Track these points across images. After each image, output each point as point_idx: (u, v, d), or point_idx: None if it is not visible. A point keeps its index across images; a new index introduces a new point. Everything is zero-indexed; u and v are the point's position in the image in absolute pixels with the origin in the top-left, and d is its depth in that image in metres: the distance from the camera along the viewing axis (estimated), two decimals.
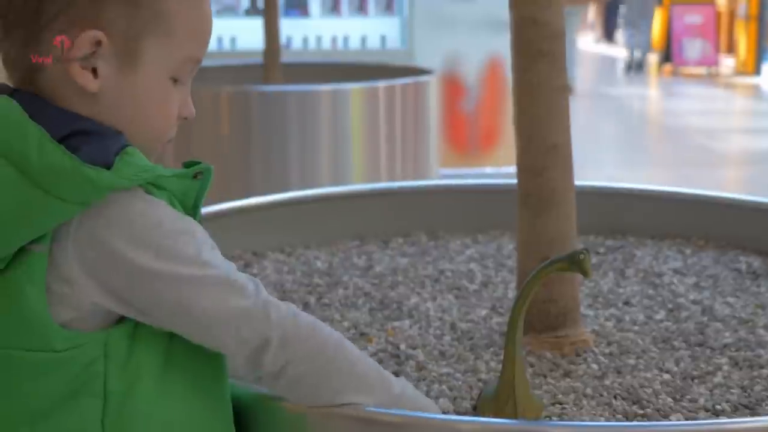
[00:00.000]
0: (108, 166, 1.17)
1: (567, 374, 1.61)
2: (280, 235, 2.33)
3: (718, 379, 1.58)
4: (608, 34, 24.49)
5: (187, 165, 1.29)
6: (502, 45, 7.06)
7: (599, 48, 22.65)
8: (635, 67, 17.08)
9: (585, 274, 1.35)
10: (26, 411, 1.21)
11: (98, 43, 1.21)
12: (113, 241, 1.18)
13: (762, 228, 2.25)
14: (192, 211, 1.28)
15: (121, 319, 1.22)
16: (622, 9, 19.89)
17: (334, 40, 7.53)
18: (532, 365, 1.64)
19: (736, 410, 1.47)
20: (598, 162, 8.50)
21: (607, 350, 1.70)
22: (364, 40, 7.53)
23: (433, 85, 4.69)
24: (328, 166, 4.18)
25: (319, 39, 7.57)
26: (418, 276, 2.11)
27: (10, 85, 1.26)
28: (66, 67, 1.21)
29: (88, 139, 1.19)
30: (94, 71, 1.22)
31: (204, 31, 1.30)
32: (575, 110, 10.60)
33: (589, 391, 1.54)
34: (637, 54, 17.09)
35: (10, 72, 1.26)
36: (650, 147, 10.18)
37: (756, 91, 14.31)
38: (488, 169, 7.27)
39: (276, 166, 4.09)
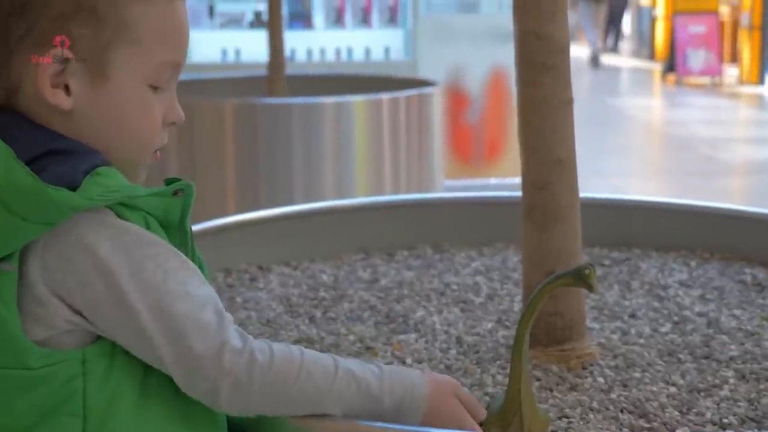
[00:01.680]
0: (74, 187, 1.17)
1: (573, 388, 1.61)
2: (286, 248, 2.33)
3: (725, 392, 1.57)
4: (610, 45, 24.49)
5: (168, 182, 1.28)
6: (505, 56, 7.09)
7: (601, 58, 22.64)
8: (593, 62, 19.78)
9: (590, 289, 1.35)
10: (14, 427, 1.20)
11: (65, 60, 1.22)
12: (75, 267, 1.18)
13: (767, 239, 2.25)
14: (179, 228, 1.27)
15: (99, 337, 1.22)
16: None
17: (338, 52, 7.54)
18: (538, 379, 1.64)
19: (743, 423, 1.47)
20: (602, 172, 8.50)
21: (613, 363, 1.70)
22: (368, 52, 7.54)
23: (437, 97, 4.69)
24: (332, 178, 4.18)
25: (323, 51, 7.58)
26: (424, 289, 2.12)
27: None
28: (37, 88, 1.22)
29: (59, 158, 1.19)
30: (67, 89, 1.23)
31: (176, 34, 1.29)
32: (578, 120, 10.58)
33: (595, 404, 1.53)
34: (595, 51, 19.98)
35: None
36: (654, 157, 10.18)
37: (760, 100, 14.30)
38: (493, 180, 7.27)
39: (280, 179, 4.09)
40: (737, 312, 1.94)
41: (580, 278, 1.35)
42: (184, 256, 1.24)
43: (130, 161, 1.28)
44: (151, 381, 1.23)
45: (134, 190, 1.22)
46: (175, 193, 1.26)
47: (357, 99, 4.29)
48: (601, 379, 1.63)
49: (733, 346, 1.76)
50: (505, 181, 7.08)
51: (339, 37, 7.57)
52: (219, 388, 1.20)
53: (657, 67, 18.14)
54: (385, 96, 4.36)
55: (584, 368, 1.68)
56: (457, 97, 7.31)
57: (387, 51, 7.58)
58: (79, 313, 1.20)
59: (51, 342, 1.20)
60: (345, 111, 4.23)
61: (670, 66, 16.68)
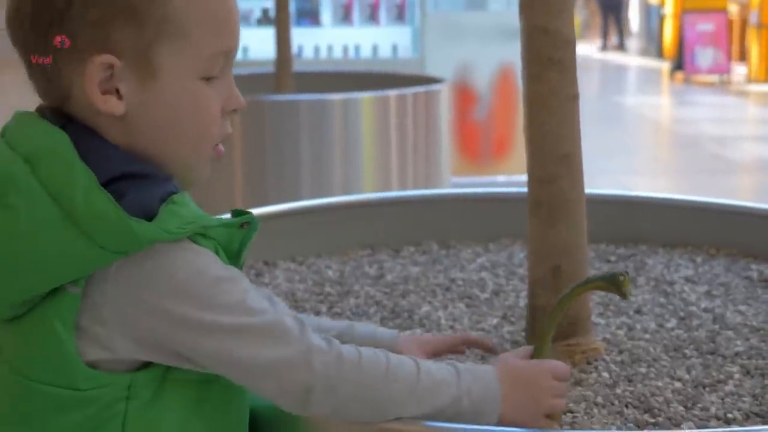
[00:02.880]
0: (152, 215, 1.16)
1: (578, 383, 1.61)
2: (292, 244, 2.33)
3: (730, 387, 1.57)
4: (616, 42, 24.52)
5: (235, 213, 1.28)
6: (513, 53, 7.06)
7: (607, 56, 22.62)
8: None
9: (623, 296, 1.35)
10: None
11: (111, 65, 1.19)
12: (151, 292, 1.17)
13: None
14: (235, 258, 1.26)
15: (150, 363, 1.21)
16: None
17: (345, 49, 7.55)
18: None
19: (748, 418, 1.47)
20: (610, 170, 8.49)
21: (618, 358, 1.70)
22: (375, 49, 7.54)
23: (444, 94, 4.69)
24: (339, 175, 4.18)
25: (330, 48, 7.58)
26: (430, 285, 2.12)
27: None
28: (87, 96, 1.20)
29: (135, 183, 1.18)
30: (118, 92, 1.20)
31: (224, 20, 1.26)
32: (586, 118, 10.58)
33: (600, 399, 1.53)
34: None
35: (44, 101, 1.26)
36: (662, 155, 10.17)
37: None
38: (500, 178, 7.27)
39: (288, 175, 4.10)
40: (743, 308, 1.94)
41: (614, 284, 1.35)
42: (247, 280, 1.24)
43: (192, 158, 1.27)
44: (199, 412, 1.24)
45: (207, 221, 1.20)
46: (241, 226, 1.25)
47: (364, 96, 4.29)
48: (606, 374, 1.63)
49: (738, 342, 1.76)
50: (512, 179, 7.08)
51: (347, 34, 7.58)
52: (311, 390, 1.20)
53: (665, 66, 18.12)
54: (392, 93, 4.36)
55: (589, 363, 1.68)
56: (464, 95, 7.32)
57: (395, 48, 7.59)
58: (145, 341, 1.18)
59: (101, 363, 1.19)
60: (352, 108, 4.24)
61: (679, 64, 16.66)
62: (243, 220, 1.25)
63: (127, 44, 1.19)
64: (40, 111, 1.24)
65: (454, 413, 1.26)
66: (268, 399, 1.23)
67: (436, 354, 1.59)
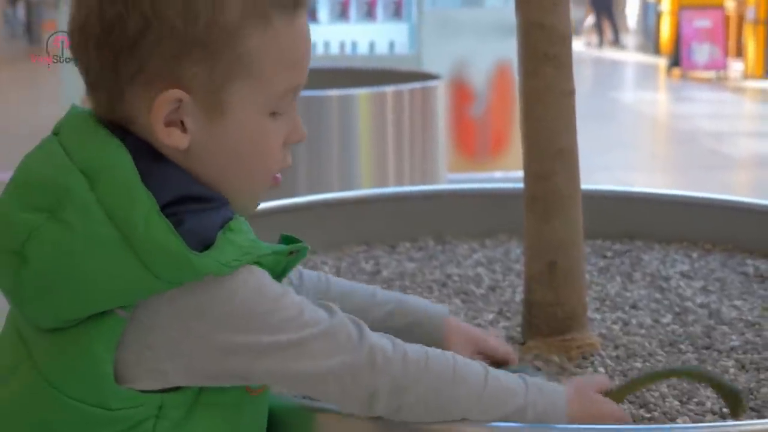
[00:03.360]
0: (209, 243, 1.14)
1: (574, 377, 1.61)
2: None
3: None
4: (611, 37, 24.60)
5: (285, 238, 1.27)
6: (510, 50, 7.07)
7: (604, 53, 22.63)
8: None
9: (735, 415, 1.38)
10: None
11: (179, 100, 1.17)
12: (207, 321, 1.16)
13: None
14: (276, 279, 1.24)
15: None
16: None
17: (342, 45, 7.55)
18: (538, 369, 1.64)
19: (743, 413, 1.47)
20: (607, 166, 8.50)
21: (614, 353, 1.70)
22: (372, 45, 7.54)
23: (441, 90, 4.70)
24: (336, 171, 4.18)
25: (327, 44, 7.58)
26: (426, 280, 2.12)
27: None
28: (152, 128, 1.17)
29: (193, 207, 1.16)
30: (182, 124, 1.18)
31: (298, 59, 1.24)
32: (584, 114, 10.59)
33: None
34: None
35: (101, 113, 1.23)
36: (659, 151, 10.18)
37: (765, 95, 14.28)
38: (497, 174, 7.27)
39: (284, 171, 4.09)
40: (738, 303, 1.95)
41: (735, 402, 1.38)
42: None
43: (250, 189, 1.26)
44: None
45: (261, 249, 1.18)
46: (290, 253, 1.24)
47: (361, 92, 4.29)
48: (601, 369, 1.63)
49: (734, 337, 1.76)
50: (509, 175, 7.08)
51: (343, 30, 7.58)
52: (377, 391, 1.20)
53: (662, 62, 18.13)
54: (389, 89, 4.36)
55: (585, 358, 1.68)
56: (461, 91, 7.32)
57: (391, 45, 7.59)
58: (196, 370, 1.17)
59: (134, 382, 1.17)
60: (349, 104, 4.24)
61: (675, 60, 16.68)
62: (294, 248, 1.24)
63: (199, 81, 1.17)
64: (97, 114, 1.22)
65: (517, 422, 1.26)
66: (332, 403, 1.23)
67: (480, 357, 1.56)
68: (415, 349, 1.24)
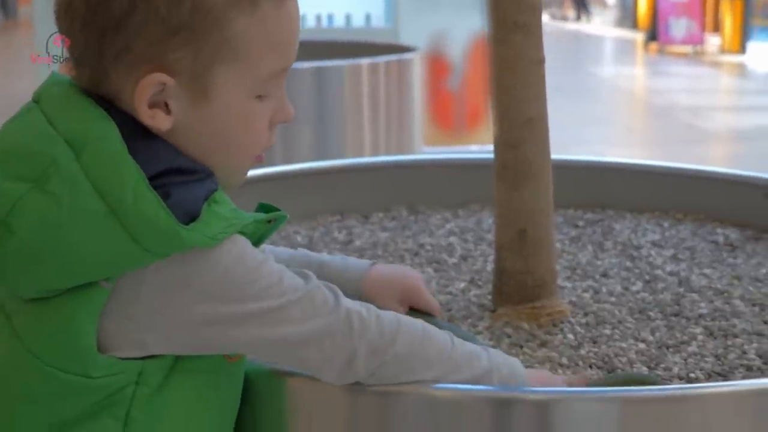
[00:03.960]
0: (195, 215, 1.14)
1: (543, 344, 1.62)
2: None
3: (693, 348, 1.59)
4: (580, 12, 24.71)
5: (263, 206, 1.27)
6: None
7: (581, 27, 22.65)
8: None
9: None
10: (48, 421, 1.19)
11: (163, 83, 1.16)
12: (190, 289, 1.16)
13: (739, 201, 2.26)
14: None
15: None
16: None
17: (318, 18, 7.52)
18: (509, 336, 1.65)
19: (710, 377, 1.49)
20: (585, 140, 8.51)
21: (583, 320, 1.71)
22: (348, 18, 7.51)
23: (417, 63, 4.69)
24: (311, 144, 4.18)
25: (303, 17, 7.54)
26: (398, 250, 2.12)
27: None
28: (135, 109, 1.17)
29: (179, 180, 1.15)
30: (166, 106, 1.18)
31: (285, 41, 1.23)
32: (561, 88, 10.61)
33: (564, 360, 1.55)
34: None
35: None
36: (636, 125, 10.20)
37: (741, 69, 14.33)
38: (474, 147, 7.27)
39: None
40: (708, 271, 1.96)
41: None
42: None
43: (234, 168, 1.25)
44: (198, 404, 1.24)
45: (243, 219, 1.19)
46: (268, 222, 1.25)
47: (336, 64, 4.28)
48: (571, 336, 1.64)
49: (702, 304, 1.78)
50: (486, 148, 7.08)
51: (319, 3, 7.53)
52: (356, 353, 1.21)
53: (639, 36, 18.15)
54: (364, 61, 4.35)
55: (555, 325, 1.69)
56: (438, 64, 7.31)
57: (368, 18, 7.56)
58: (178, 341, 1.18)
59: (114, 350, 1.17)
60: (324, 76, 4.23)
61: (653, 35, 16.72)
62: (273, 217, 1.25)
63: (183, 64, 1.16)
64: (80, 84, 1.21)
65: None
66: (309, 371, 1.24)
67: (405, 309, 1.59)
68: (386, 313, 1.26)
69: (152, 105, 1.17)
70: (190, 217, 1.14)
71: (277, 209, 1.27)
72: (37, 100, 1.21)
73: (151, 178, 1.13)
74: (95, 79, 1.19)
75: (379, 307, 1.30)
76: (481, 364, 1.29)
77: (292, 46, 1.24)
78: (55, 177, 1.13)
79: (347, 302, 1.24)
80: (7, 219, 1.14)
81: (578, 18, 24.49)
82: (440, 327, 1.34)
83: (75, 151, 1.14)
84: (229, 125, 1.21)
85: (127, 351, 1.18)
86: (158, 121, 1.17)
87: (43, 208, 1.13)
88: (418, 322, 1.28)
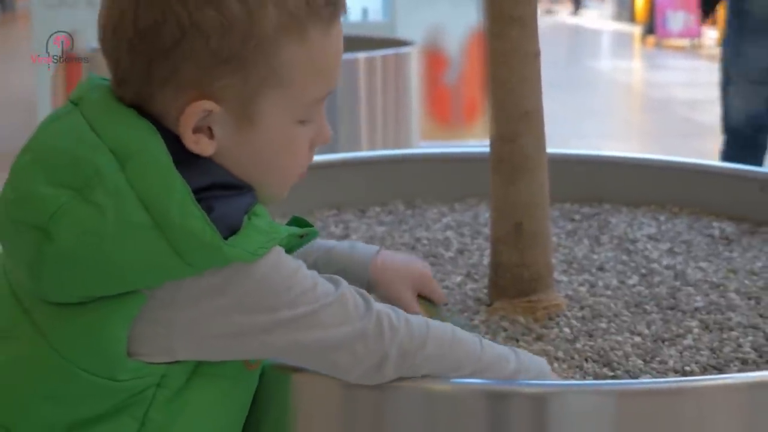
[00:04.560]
0: (236, 228, 1.14)
1: (539, 338, 1.62)
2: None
3: (688, 341, 1.60)
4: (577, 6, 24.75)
5: (296, 220, 1.28)
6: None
7: (579, 21, 22.65)
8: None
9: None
10: (68, 419, 1.19)
11: (210, 111, 1.16)
12: (226, 298, 1.15)
13: (735, 194, 2.26)
14: None
15: None
16: None
17: None
18: (504, 329, 1.66)
19: (705, 371, 1.49)
20: (582, 133, 8.51)
21: (579, 314, 1.71)
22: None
23: (414, 57, 4.69)
24: None
25: None
26: (395, 244, 2.13)
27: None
28: (179, 133, 1.16)
29: (222, 194, 1.16)
30: (210, 130, 1.17)
31: (330, 67, 1.23)
32: (559, 82, 10.62)
33: (560, 354, 1.55)
34: None
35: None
36: (633, 118, 10.20)
37: None
38: (471, 142, 7.28)
39: None
40: (704, 264, 1.96)
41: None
42: None
43: (275, 189, 1.26)
44: (217, 410, 1.24)
45: (280, 232, 1.19)
46: (301, 236, 1.25)
47: None
48: (567, 330, 1.65)
49: (698, 298, 1.78)
50: (483, 142, 7.06)
51: None
52: (387, 356, 1.21)
53: (637, 30, 18.15)
54: (361, 55, 4.35)
55: (551, 319, 1.70)
56: (435, 58, 7.31)
57: (365, 12, 7.56)
58: (209, 349, 1.18)
59: (146, 356, 1.17)
60: None
61: (650, 28, 16.70)
62: (305, 232, 1.25)
63: (230, 92, 1.16)
64: (123, 98, 1.20)
65: None
66: (339, 375, 1.23)
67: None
68: (415, 317, 1.27)
69: (196, 130, 1.17)
70: (231, 230, 1.14)
71: (310, 224, 1.28)
72: (76, 102, 1.21)
73: (196, 192, 1.13)
74: (139, 101, 1.18)
75: (390, 294, 1.30)
76: (510, 366, 1.30)
77: (337, 71, 1.24)
78: (99, 188, 1.12)
79: (377, 306, 1.24)
80: (47, 226, 1.13)
81: (576, 12, 24.50)
82: (443, 316, 1.35)
83: (119, 161, 1.13)
84: (272, 150, 1.21)
85: (154, 357, 1.18)
86: (202, 147, 1.17)
87: (86, 218, 1.12)
88: (447, 326, 1.29)
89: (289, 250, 1.24)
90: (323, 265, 1.53)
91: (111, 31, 1.18)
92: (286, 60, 1.17)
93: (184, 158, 1.15)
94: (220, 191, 1.16)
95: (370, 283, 1.54)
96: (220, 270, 1.14)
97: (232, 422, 1.29)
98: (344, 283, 1.24)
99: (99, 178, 1.12)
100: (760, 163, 4.65)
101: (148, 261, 1.12)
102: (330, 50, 1.22)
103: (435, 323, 1.28)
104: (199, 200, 1.13)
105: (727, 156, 4.79)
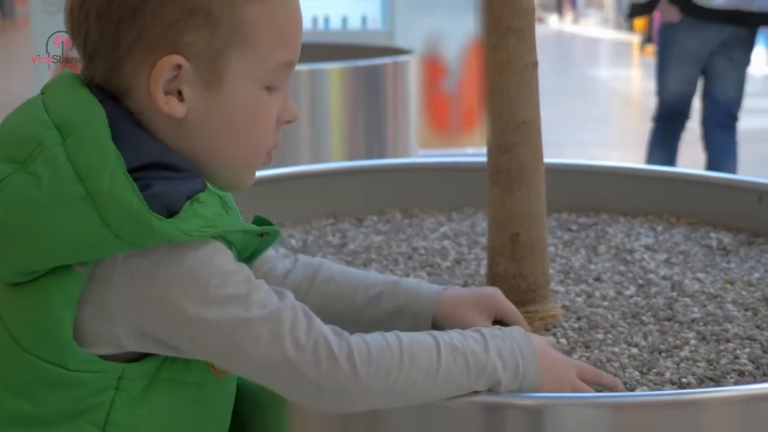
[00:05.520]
0: (175, 211, 1.14)
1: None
2: (255, 212, 2.33)
3: (685, 352, 1.59)
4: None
5: (258, 220, 1.27)
6: None
7: (578, 29, 22.68)
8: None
9: None
10: (29, 413, 1.19)
11: (178, 66, 1.18)
12: (157, 284, 1.15)
13: (733, 205, 2.26)
14: (245, 262, 1.24)
15: (145, 356, 1.20)
16: None
17: (314, 20, 7.52)
18: None
19: (702, 383, 1.48)
20: (581, 142, 8.51)
21: (576, 325, 1.71)
22: (345, 20, 7.52)
23: (413, 65, 4.69)
24: (307, 146, 4.17)
25: None
26: (392, 253, 2.12)
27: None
28: (149, 95, 1.18)
29: (163, 174, 1.16)
30: (180, 94, 1.19)
31: (292, 33, 1.25)
32: (558, 90, 10.62)
33: None
34: None
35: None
36: (632, 127, 10.20)
37: None
38: (470, 150, 7.28)
39: None
40: (701, 275, 1.96)
41: None
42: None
43: (244, 165, 1.26)
44: (180, 419, 1.23)
45: (228, 225, 1.19)
46: (261, 235, 1.24)
47: (332, 66, 4.28)
48: (563, 341, 1.64)
49: (695, 309, 1.78)
50: (481, 151, 7.07)
51: (316, 5, 7.54)
52: (321, 390, 1.18)
53: (636, 39, 18.16)
54: (360, 63, 4.36)
55: (547, 330, 1.69)
56: (434, 67, 7.31)
57: (364, 20, 7.56)
58: (147, 334, 1.17)
59: (96, 348, 1.18)
60: (320, 78, 4.23)
61: (649, 37, 16.71)
62: (264, 230, 1.24)
63: (199, 47, 1.18)
64: (85, 78, 1.22)
65: (490, 381, 1.25)
66: (280, 393, 1.21)
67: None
68: (357, 341, 1.21)
69: (166, 92, 1.19)
70: (168, 211, 1.14)
71: (271, 223, 1.27)
72: (43, 91, 1.24)
73: (134, 170, 1.14)
74: (108, 74, 1.20)
75: (463, 324, 1.31)
76: (479, 360, 1.24)
77: (298, 38, 1.27)
78: (39, 158, 1.15)
79: (323, 330, 1.20)
80: None
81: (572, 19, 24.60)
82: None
83: (63, 135, 1.15)
84: (240, 114, 1.22)
85: (104, 347, 1.18)
86: (172, 107, 1.19)
87: (24, 188, 1.14)
88: (395, 343, 1.22)
89: (253, 253, 1.24)
90: (388, 297, 1.50)
91: (77, 10, 1.20)
92: (250, 17, 1.20)
93: (130, 136, 1.17)
94: (162, 172, 1.16)
95: (435, 319, 1.49)
96: (150, 252, 1.14)
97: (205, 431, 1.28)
98: (290, 296, 1.21)
99: (40, 149, 1.15)
100: (682, 127, 5.92)
101: (79, 231, 1.13)
102: (290, 14, 1.25)
103: (377, 343, 1.21)
104: (137, 179, 1.13)
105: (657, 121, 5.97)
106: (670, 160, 5.86)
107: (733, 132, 5.78)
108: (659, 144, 5.96)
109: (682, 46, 5.58)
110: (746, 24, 5.44)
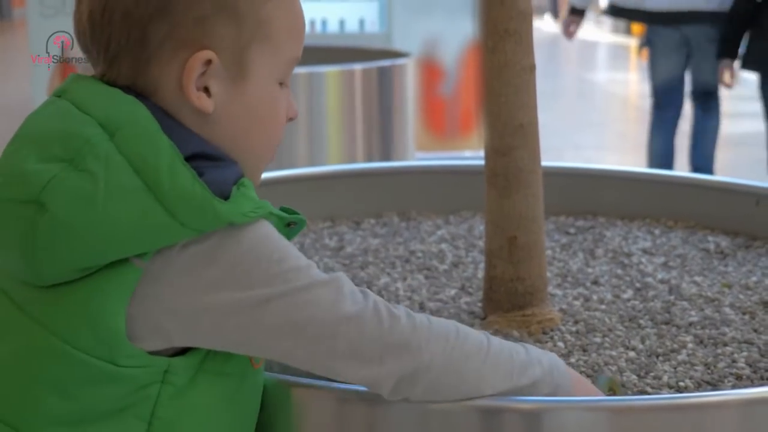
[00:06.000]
0: (226, 196, 1.15)
1: None
2: None
3: (683, 356, 1.59)
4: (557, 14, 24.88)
5: (285, 209, 1.28)
6: None
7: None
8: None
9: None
10: (74, 414, 1.19)
11: (209, 62, 1.20)
12: (221, 266, 1.16)
13: (731, 208, 2.26)
14: None
15: (189, 349, 1.20)
16: None
17: (312, 23, 7.52)
18: None
19: (699, 387, 1.48)
20: (579, 145, 8.52)
21: (573, 328, 1.71)
22: (342, 23, 7.52)
23: (410, 68, 4.69)
24: (304, 149, 4.17)
25: None
26: (389, 256, 2.12)
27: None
28: (182, 91, 1.20)
29: (209, 164, 1.18)
30: (206, 90, 1.21)
31: (300, 29, 1.30)
32: (556, 93, 10.63)
33: None
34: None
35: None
36: (630, 130, 10.21)
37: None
38: (467, 153, 7.28)
39: None
40: (698, 279, 1.96)
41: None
42: None
43: (259, 160, 1.28)
44: (224, 409, 1.23)
45: (269, 207, 1.20)
46: (288, 224, 1.26)
47: (329, 69, 4.28)
48: (561, 344, 1.64)
49: (693, 312, 1.78)
50: (479, 154, 7.08)
51: (313, 8, 7.54)
52: (387, 347, 1.19)
53: (633, 42, 18.17)
54: (357, 66, 4.35)
55: (545, 333, 1.69)
56: (431, 70, 7.31)
57: (362, 23, 7.56)
58: (195, 324, 1.17)
59: (142, 341, 1.17)
60: (317, 81, 4.23)
61: (647, 41, 16.74)
62: (292, 219, 1.26)
63: (226, 43, 1.21)
64: (107, 80, 1.23)
65: (531, 380, 1.26)
66: (338, 373, 1.21)
67: None
68: (416, 315, 1.23)
69: (197, 88, 1.21)
70: (221, 196, 1.16)
71: (297, 213, 1.28)
72: (59, 95, 1.24)
73: (184, 159, 1.16)
74: (133, 74, 1.21)
75: None
76: (521, 358, 1.27)
77: (304, 34, 1.31)
78: (90, 155, 1.15)
79: (376, 296, 1.23)
80: (40, 197, 1.15)
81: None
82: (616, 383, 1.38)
83: (108, 132, 1.16)
84: (262, 108, 1.25)
85: (151, 342, 1.18)
86: (203, 102, 1.21)
87: (78, 185, 1.14)
88: (450, 321, 1.26)
89: None
90: None
91: (99, 13, 1.21)
92: (271, 14, 1.24)
93: (171, 129, 1.18)
94: (205, 162, 1.18)
95: None
96: (209, 237, 1.15)
97: (242, 424, 1.28)
98: (341, 273, 1.23)
99: (89, 146, 1.15)
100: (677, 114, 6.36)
101: (141, 223, 1.13)
102: (300, 11, 1.30)
103: (436, 319, 1.24)
104: (192, 168, 1.15)
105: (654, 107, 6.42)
106: (667, 146, 6.27)
107: (711, 112, 6.42)
108: (656, 131, 6.42)
109: (660, 38, 6.35)
110: (672, 24, 6.06)
